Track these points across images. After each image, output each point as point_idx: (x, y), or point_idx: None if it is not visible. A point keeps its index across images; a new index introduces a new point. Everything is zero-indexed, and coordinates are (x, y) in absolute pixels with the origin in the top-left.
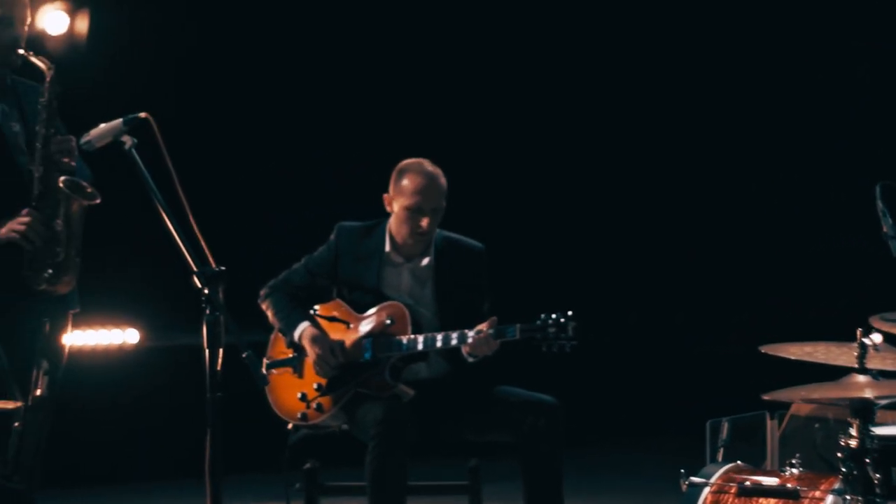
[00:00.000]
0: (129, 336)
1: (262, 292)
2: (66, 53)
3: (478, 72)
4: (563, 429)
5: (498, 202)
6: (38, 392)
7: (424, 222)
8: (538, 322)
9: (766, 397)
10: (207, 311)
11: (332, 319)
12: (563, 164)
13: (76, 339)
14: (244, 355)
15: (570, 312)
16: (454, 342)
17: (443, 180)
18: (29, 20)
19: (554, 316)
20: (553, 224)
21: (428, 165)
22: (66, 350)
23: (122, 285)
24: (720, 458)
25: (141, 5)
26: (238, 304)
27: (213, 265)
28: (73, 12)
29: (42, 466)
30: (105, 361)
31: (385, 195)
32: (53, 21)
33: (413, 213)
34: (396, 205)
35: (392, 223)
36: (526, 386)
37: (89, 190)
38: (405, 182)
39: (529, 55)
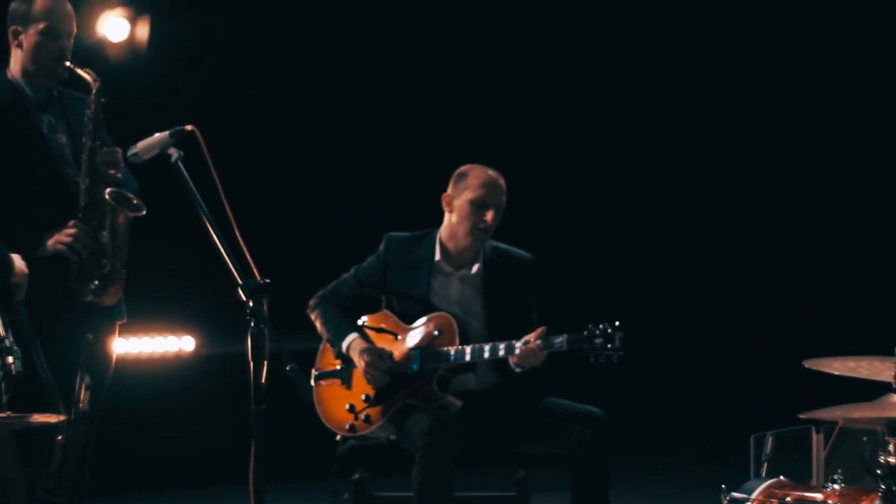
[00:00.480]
0: (184, 343)
1: (311, 302)
2: (127, 61)
3: (518, 77)
4: (610, 440)
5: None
6: (81, 406)
7: (489, 216)
8: (585, 333)
9: (803, 416)
10: (252, 324)
11: (380, 331)
12: (581, 169)
13: (132, 346)
14: (288, 368)
15: (616, 322)
16: (501, 353)
17: (503, 182)
18: (75, 32)
19: (601, 326)
20: (579, 232)
21: (488, 168)
22: (114, 360)
23: (179, 293)
24: (764, 473)
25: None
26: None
27: (258, 277)
28: (133, 19)
29: (89, 478)
30: (160, 369)
31: (444, 195)
32: (113, 28)
33: (478, 206)
34: (459, 200)
35: (445, 229)
36: (570, 397)
37: (135, 201)
38: (470, 178)
39: (571, 60)
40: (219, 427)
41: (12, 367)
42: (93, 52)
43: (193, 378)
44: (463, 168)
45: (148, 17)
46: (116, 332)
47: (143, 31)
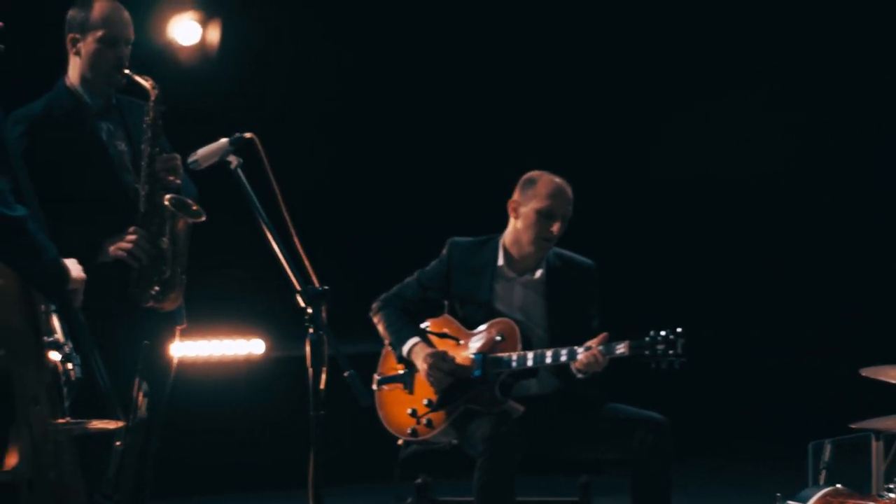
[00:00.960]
0: (254, 346)
1: (375, 305)
2: (198, 64)
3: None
4: (671, 445)
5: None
6: (139, 412)
7: (555, 227)
8: (647, 339)
9: (854, 426)
10: (311, 330)
11: (442, 335)
12: (642, 176)
13: (201, 349)
14: (346, 374)
15: (678, 329)
16: (563, 358)
17: (570, 191)
18: (132, 39)
19: (663, 333)
20: (640, 239)
21: (556, 176)
22: (174, 365)
23: (249, 296)
24: (822, 481)
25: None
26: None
27: (317, 284)
28: (204, 22)
29: (152, 482)
30: (229, 372)
31: (511, 200)
32: (185, 31)
33: (544, 216)
34: (526, 208)
35: (509, 235)
36: (631, 402)
37: (194, 208)
38: (538, 186)
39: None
40: (286, 430)
41: (72, 373)
42: (164, 56)
43: (262, 381)
44: (531, 174)
45: (219, 19)
46: (176, 337)
47: (214, 34)
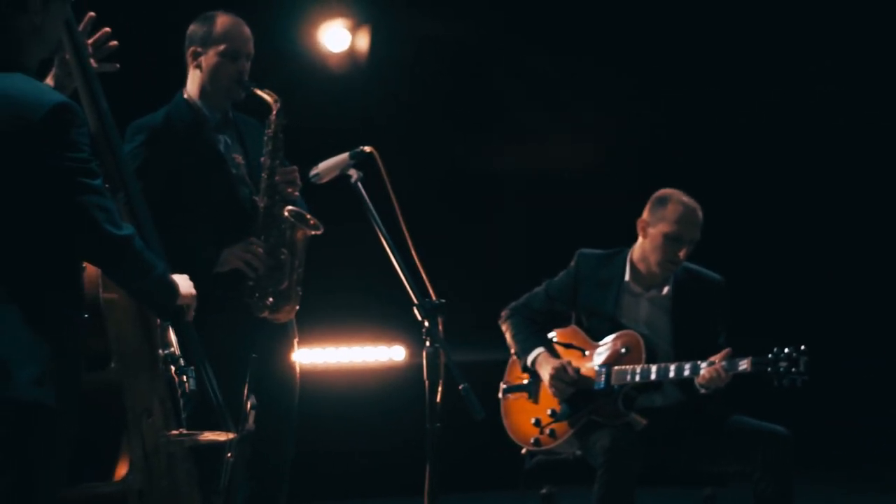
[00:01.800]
0: (394, 353)
1: (503, 314)
2: (348, 71)
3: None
4: (793, 459)
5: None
6: (248, 425)
7: (682, 253)
8: (770, 356)
9: None
10: (427, 343)
11: (568, 346)
12: (768, 195)
13: (342, 356)
14: (460, 387)
15: (802, 347)
16: (687, 373)
17: (701, 213)
18: (252, 53)
19: (786, 350)
20: (767, 254)
21: (686, 197)
22: (298, 372)
23: (388, 302)
24: None
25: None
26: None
27: (434, 297)
28: (354, 29)
29: (287, 493)
30: (371, 379)
31: (639, 220)
32: (334, 38)
33: (672, 241)
34: (654, 230)
35: (637, 251)
36: (753, 414)
37: (312, 221)
38: (668, 209)
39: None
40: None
41: (186, 385)
42: (314, 62)
43: (404, 387)
44: (662, 193)
45: (369, 26)
46: (295, 348)
47: (363, 41)
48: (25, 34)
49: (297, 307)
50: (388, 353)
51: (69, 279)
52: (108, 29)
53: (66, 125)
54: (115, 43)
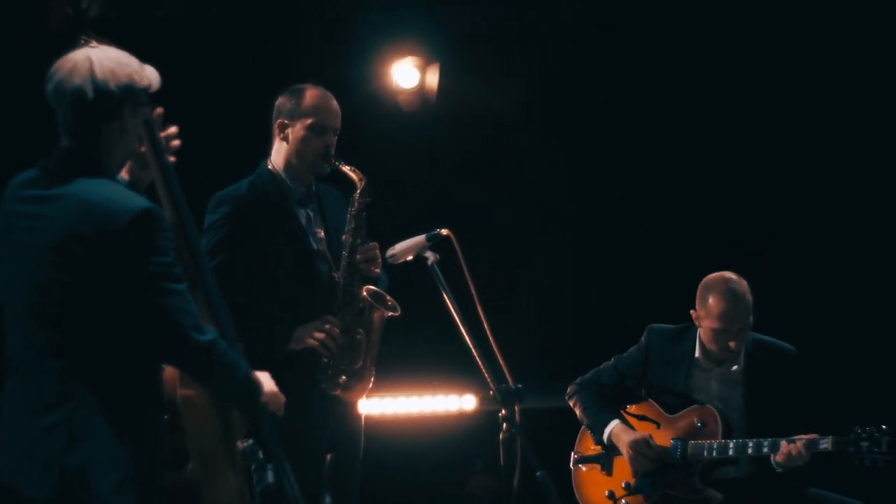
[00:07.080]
0: (465, 402)
1: (570, 389)
2: (417, 109)
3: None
4: None
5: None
6: None
7: (732, 344)
8: (851, 435)
9: None
10: (503, 428)
11: (641, 418)
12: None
13: (413, 405)
14: (537, 475)
15: (884, 427)
16: (766, 451)
17: (749, 298)
18: (339, 128)
19: (868, 429)
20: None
21: (732, 282)
22: (362, 438)
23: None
24: None
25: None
26: None
27: (511, 383)
28: (423, 67)
29: None
30: (442, 427)
31: (692, 311)
32: (404, 75)
33: (720, 334)
34: (703, 323)
35: (701, 333)
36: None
37: (390, 303)
38: (710, 303)
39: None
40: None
41: (264, 478)
42: (385, 101)
43: (474, 435)
44: (707, 281)
45: (438, 64)
46: (363, 420)
47: (433, 78)
48: (115, 139)
49: (370, 386)
50: (459, 403)
51: (150, 380)
52: (176, 128)
53: (151, 231)
54: (178, 143)
